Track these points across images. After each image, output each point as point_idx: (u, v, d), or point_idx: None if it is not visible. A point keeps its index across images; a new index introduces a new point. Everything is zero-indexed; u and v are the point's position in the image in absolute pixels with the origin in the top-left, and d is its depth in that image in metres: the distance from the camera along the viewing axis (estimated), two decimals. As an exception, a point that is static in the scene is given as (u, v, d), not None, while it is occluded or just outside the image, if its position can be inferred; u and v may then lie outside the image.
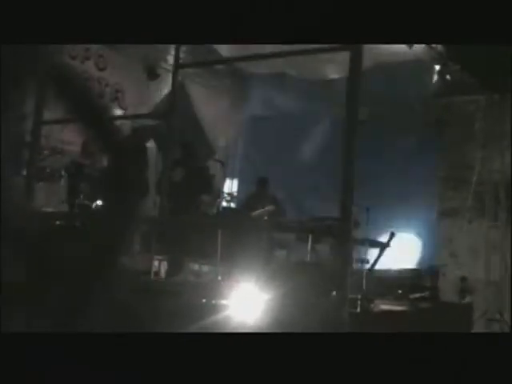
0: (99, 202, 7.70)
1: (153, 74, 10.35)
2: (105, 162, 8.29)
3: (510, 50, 7.12)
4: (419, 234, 9.92)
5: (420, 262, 10.01)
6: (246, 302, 4.44)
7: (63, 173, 7.83)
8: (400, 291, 7.91)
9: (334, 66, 8.89)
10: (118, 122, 7.42)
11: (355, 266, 7.10)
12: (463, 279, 9.73)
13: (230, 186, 10.83)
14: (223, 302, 4.66)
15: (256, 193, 9.04)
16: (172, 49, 7.83)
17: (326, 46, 3.85)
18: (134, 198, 2.88)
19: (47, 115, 5.65)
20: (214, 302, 4.71)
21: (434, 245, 10.45)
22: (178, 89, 4.36)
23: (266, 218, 8.44)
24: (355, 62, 3.60)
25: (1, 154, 2.65)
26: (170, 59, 9.07)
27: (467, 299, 9.25)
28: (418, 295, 8.20)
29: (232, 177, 10.83)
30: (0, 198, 2.63)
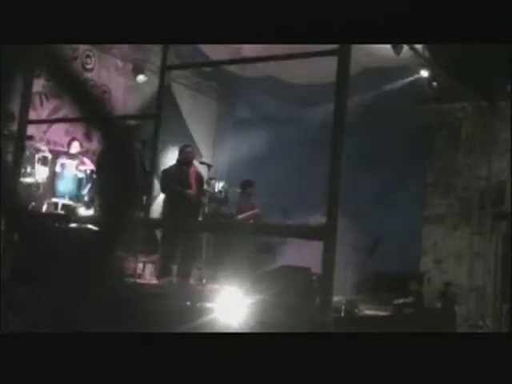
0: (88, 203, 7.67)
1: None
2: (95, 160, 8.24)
3: (498, 57, 7.15)
4: (404, 240, 9.93)
5: (405, 268, 10.03)
6: (231, 306, 4.42)
7: (48, 173, 7.76)
8: (384, 296, 7.92)
9: (321, 71, 8.90)
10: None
11: (340, 270, 7.10)
12: (447, 284, 9.79)
13: (217, 188, 10.75)
14: (208, 305, 4.64)
15: (240, 196, 9.04)
16: (159, 50, 7.78)
17: (313, 50, 3.84)
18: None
19: (33, 115, 5.60)
20: (198, 304, 4.69)
21: (419, 251, 10.49)
22: (165, 90, 4.33)
23: (251, 221, 8.42)
24: (343, 66, 3.60)
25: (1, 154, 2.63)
26: (157, 60, 9.02)
27: (449, 303, 9.30)
28: (402, 300, 8.21)
29: (219, 180, 10.78)
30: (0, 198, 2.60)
